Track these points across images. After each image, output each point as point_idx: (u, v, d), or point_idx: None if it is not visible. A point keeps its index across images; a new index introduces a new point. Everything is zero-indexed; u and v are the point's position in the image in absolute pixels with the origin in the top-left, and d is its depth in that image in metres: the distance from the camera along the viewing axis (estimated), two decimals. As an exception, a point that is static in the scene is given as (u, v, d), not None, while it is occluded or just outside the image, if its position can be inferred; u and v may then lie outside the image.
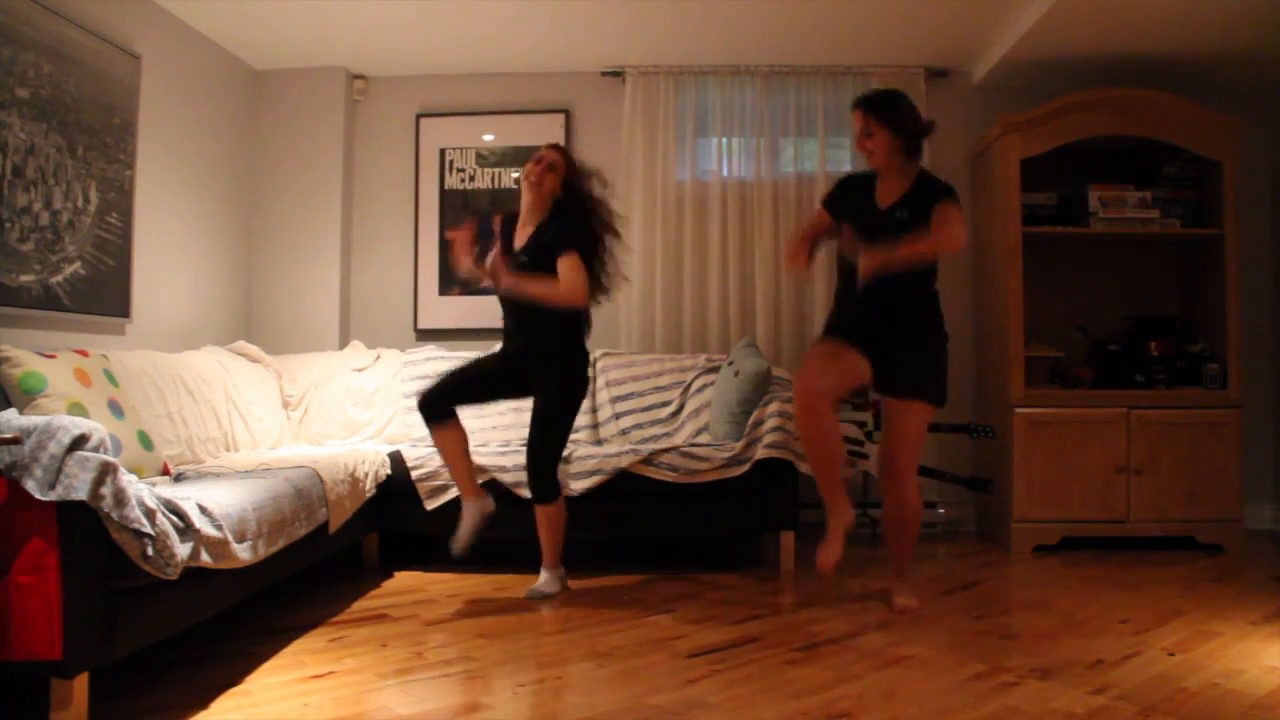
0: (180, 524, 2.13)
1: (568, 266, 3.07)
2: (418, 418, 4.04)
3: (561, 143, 4.65)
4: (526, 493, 3.45)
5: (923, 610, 3.02)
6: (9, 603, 1.89)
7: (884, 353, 2.95)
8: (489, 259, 3.25)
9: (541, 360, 3.19)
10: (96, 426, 2.00)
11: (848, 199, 3.07)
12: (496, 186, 4.74)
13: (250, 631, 2.77)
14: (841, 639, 2.70)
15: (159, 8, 3.85)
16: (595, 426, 4.19)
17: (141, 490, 2.04)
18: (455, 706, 2.18)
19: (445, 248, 4.68)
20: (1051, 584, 3.45)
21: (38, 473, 1.89)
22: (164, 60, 3.84)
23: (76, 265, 3.28)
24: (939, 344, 3.02)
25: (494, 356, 3.31)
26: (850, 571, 3.62)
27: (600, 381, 4.28)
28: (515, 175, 4.60)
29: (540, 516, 3.22)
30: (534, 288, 3.08)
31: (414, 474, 3.58)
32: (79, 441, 1.94)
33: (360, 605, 3.12)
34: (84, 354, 2.82)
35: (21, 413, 2.38)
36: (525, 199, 3.23)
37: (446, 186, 4.74)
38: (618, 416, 4.18)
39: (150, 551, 2.00)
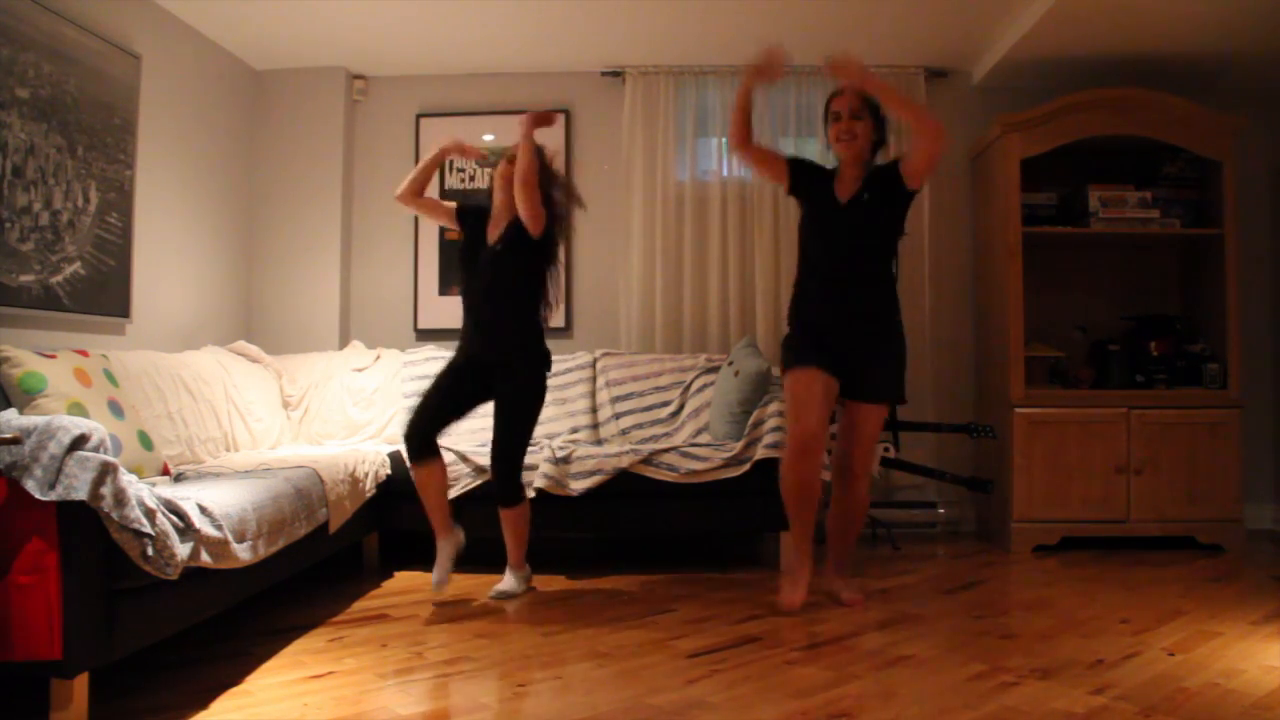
0: (180, 524, 2.13)
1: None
2: (418, 418, 4.09)
3: (561, 142, 4.69)
4: (528, 492, 3.46)
5: (866, 605, 3.07)
6: (9, 603, 1.89)
7: (850, 354, 2.97)
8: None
9: (504, 360, 3.16)
10: (96, 426, 2.00)
11: (809, 179, 3.06)
12: (496, 186, 4.74)
13: (250, 631, 2.77)
14: (841, 639, 2.70)
15: (159, 8, 3.85)
16: (595, 426, 4.19)
17: (141, 490, 2.05)
18: (455, 706, 2.18)
19: (445, 248, 4.68)
20: (1051, 584, 3.45)
21: (38, 473, 1.89)
22: (164, 60, 3.84)
23: (76, 265, 3.28)
24: (901, 342, 3.06)
25: (452, 370, 3.22)
26: (851, 572, 3.62)
27: (600, 381, 4.28)
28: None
29: (505, 518, 3.21)
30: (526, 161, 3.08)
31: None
32: (79, 441, 1.94)
33: (360, 605, 3.12)
34: (84, 354, 2.82)
35: (21, 413, 2.38)
36: (497, 199, 3.24)
37: (446, 186, 4.74)
38: (618, 416, 4.18)
39: (150, 551, 2.00)
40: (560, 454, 3.58)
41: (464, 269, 3.28)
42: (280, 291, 4.65)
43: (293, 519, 2.73)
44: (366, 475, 3.41)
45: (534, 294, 3.21)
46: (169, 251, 3.93)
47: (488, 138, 4.73)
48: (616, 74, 4.68)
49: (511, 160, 3.15)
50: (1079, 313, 4.56)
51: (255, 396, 3.91)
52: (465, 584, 3.38)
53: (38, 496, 1.88)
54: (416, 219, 4.73)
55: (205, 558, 2.19)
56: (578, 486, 3.51)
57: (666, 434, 4.10)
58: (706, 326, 4.63)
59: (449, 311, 4.73)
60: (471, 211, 3.33)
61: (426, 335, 4.72)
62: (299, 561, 2.91)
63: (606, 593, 3.29)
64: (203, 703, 2.17)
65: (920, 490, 4.55)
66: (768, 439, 3.55)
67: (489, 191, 3.31)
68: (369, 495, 3.41)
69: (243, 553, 2.36)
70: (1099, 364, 4.29)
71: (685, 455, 3.58)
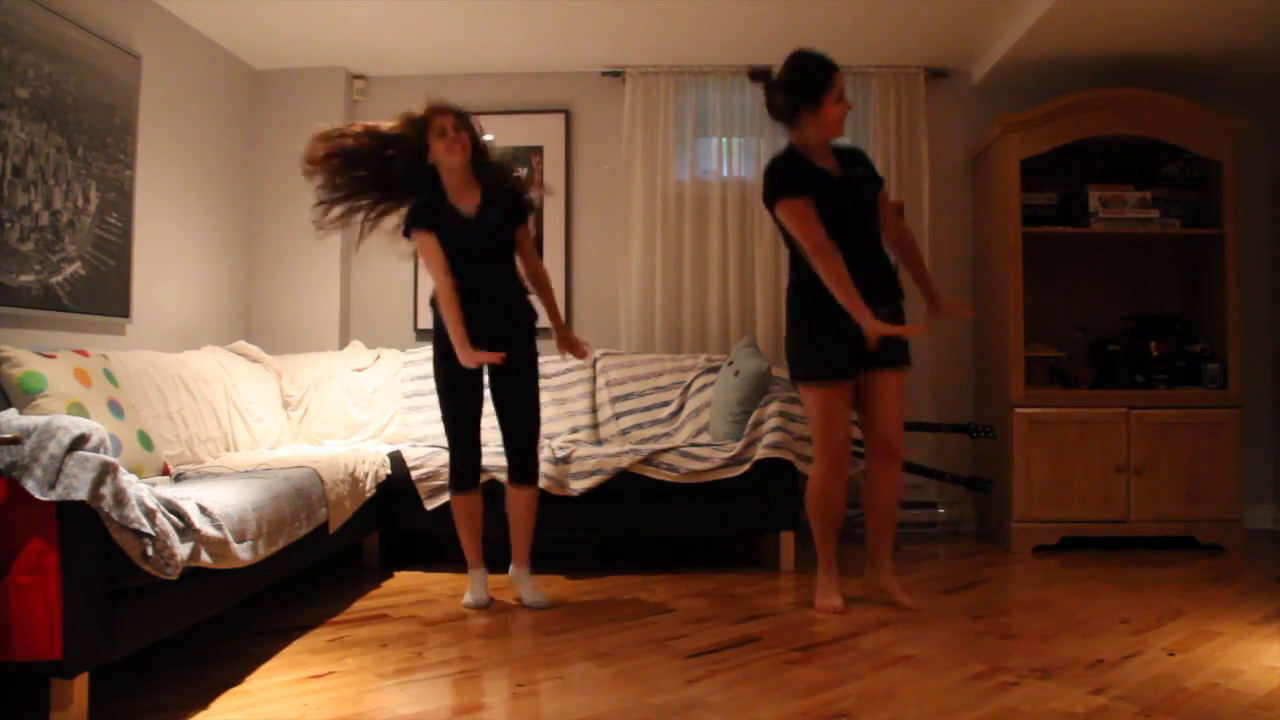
0: (180, 524, 2.13)
1: (526, 239, 3.11)
2: (418, 417, 4.10)
3: (561, 142, 4.69)
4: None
5: (924, 607, 3.02)
6: (9, 603, 1.90)
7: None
8: None
9: (518, 330, 3.07)
10: (96, 426, 2.01)
11: (806, 176, 2.92)
12: (496, 186, 4.73)
13: (250, 631, 2.77)
14: (841, 639, 2.70)
15: (159, 8, 3.85)
16: (595, 426, 4.19)
17: (141, 490, 2.05)
18: (455, 706, 2.18)
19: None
20: (1051, 584, 3.45)
21: (38, 473, 1.89)
22: (164, 60, 3.84)
23: (76, 265, 3.28)
24: (901, 302, 3.06)
25: (458, 380, 3.02)
26: (851, 572, 3.62)
27: (600, 381, 4.28)
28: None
29: (523, 500, 3.11)
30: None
31: (414, 474, 3.58)
32: (79, 441, 1.94)
33: (360, 605, 3.12)
34: (84, 354, 2.82)
35: (21, 413, 2.38)
36: (455, 175, 3.00)
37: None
38: (618, 416, 4.18)
39: (150, 551, 2.00)
40: (560, 454, 3.58)
41: (458, 255, 2.99)
42: (280, 291, 4.64)
43: (293, 519, 2.73)
44: (366, 475, 3.41)
45: (513, 261, 3.13)
46: (169, 251, 3.93)
47: (488, 138, 4.70)
48: (616, 74, 4.68)
49: (443, 135, 2.95)
50: (1079, 313, 4.56)
51: (255, 396, 3.91)
52: (465, 584, 3.37)
53: (38, 496, 1.88)
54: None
55: (205, 558, 2.19)
56: (578, 486, 3.51)
57: (666, 434, 4.10)
58: (706, 326, 4.63)
59: (449, 311, 4.72)
60: (432, 218, 3.00)
61: (426, 335, 4.69)
62: (299, 561, 2.91)
63: (606, 593, 3.29)
64: (203, 703, 2.17)
65: (920, 490, 4.55)
66: (768, 439, 3.55)
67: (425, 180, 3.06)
68: (369, 495, 3.41)
69: (243, 553, 2.36)
70: (1099, 364, 4.29)
71: (685, 455, 3.58)
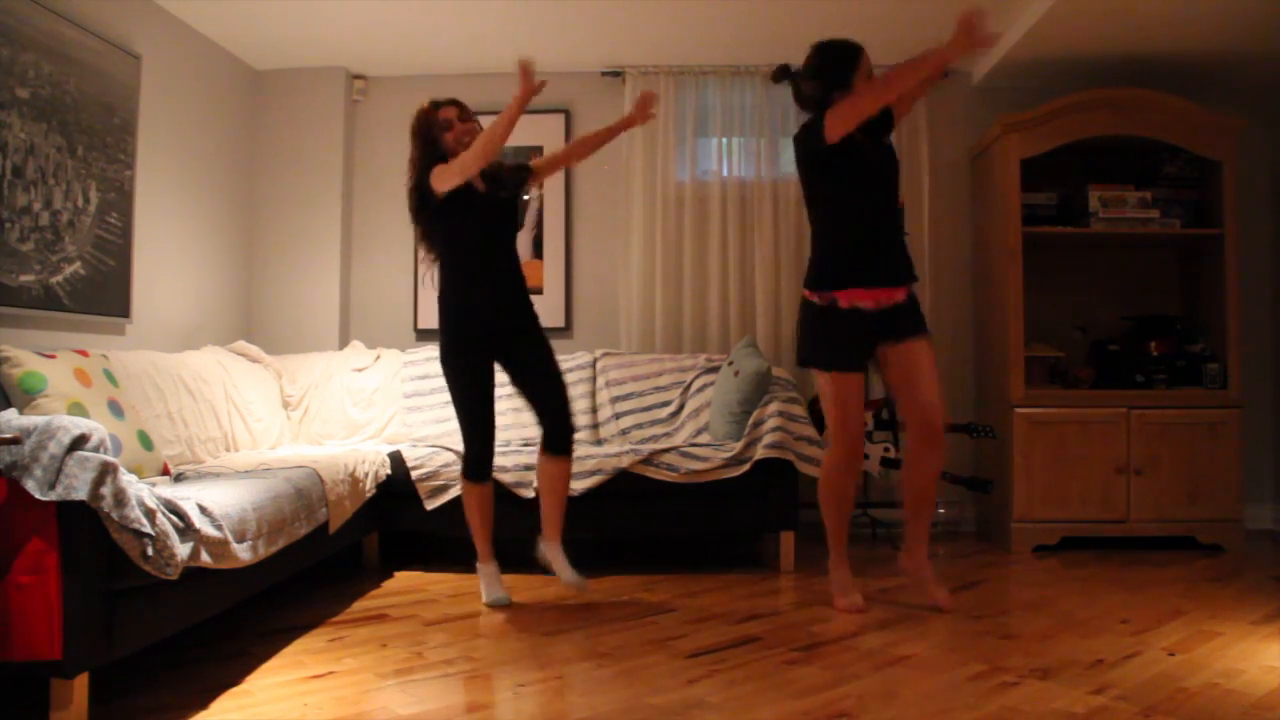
0: (180, 524, 2.13)
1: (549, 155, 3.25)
2: (418, 417, 4.10)
3: (561, 142, 4.68)
4: (528, 492, 3.47)
5: (956, 609, 3.00)
6: (9, 603, 1.90)
7: (895, 302, 2.93)
8: None
9: (527, 317, 3.14)
10: (96, 426, 2.01)
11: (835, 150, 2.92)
12: (496, 186, 4.74)
13: (250, 631, 2.77)
14: (841, 639, 2.70)
15: (159, 8, 3.85)
16: (595, 426, 4.19)
17: (141, 490, 2.05)
18: (455, 706, 2.18)
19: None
20: (1051, 584, 3.45)
21: (38, 473, 1.89)
22: (164, 60, 3.84)
23: (76, 265, 3.28)
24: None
25: (473, 371, 3.06)
26: (852, 572, 3.62)
27: (600, 381, 4.28)
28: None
29: (559, 471, 3.09)
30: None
31: (414, 474, 3.58)
32: (79, 441, 1.94)
33: (360, 605, 3.12)
34: (84, 354, 2.82)
35: (21, 413, 2.38)
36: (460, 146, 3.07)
37: (446, 186, 4.74)
38: (618, 416, 4.18)
39: (150, 551, 2.00)
40: (560, 454, 3.58)
41: (474, 233, 3.04)
42: (280, 291, 4.65)
43: (293, 519, 2.73)
44: (366, 475, 3.41)
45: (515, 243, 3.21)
46: (169, 251, 3.93)
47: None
48: (616, 74, 4.68)
49: (451, 128, 3.05)
50: (1079, 313, 4.56)
51: (255, 396, 3.91)
52: (467, 584, 3.38)
53: (38, 496, 1.88)
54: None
55: (205, 558, 2.19)
56: (578, 486, 3.51)
57: (666, 434, 4.10)
58: (706, 326, 4.63)
59: (449, 311, 4.73)
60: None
61: (426, 335, 4.72)
62: (299, 561, 2.91)
63: (606, 593, 3.29)
64: (203, 703, 2.17)
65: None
66: (768, 439, 3.55)
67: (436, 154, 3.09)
68: (369, 495, 3.41)
69: (243, 553, 2.36)
70: (1099, 364, 4.29)
71: (685, 455, 3.58)
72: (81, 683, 1.95)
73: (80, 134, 3.28)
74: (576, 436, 4.06)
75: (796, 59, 4.59)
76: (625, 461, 3.55)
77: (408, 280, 4.76)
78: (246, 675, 2.37)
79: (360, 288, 4.79)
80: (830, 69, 2.95)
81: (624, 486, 3.54)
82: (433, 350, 4.34)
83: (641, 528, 3.74)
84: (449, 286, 3.08)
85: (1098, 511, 4.04)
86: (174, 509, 2.14)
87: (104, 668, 2.02)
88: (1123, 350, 4.27)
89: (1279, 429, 4.64)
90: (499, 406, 3.19)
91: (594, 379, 4.30)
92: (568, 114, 4.73)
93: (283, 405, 4.14)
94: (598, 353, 4.38)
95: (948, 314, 4.67)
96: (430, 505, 3.54)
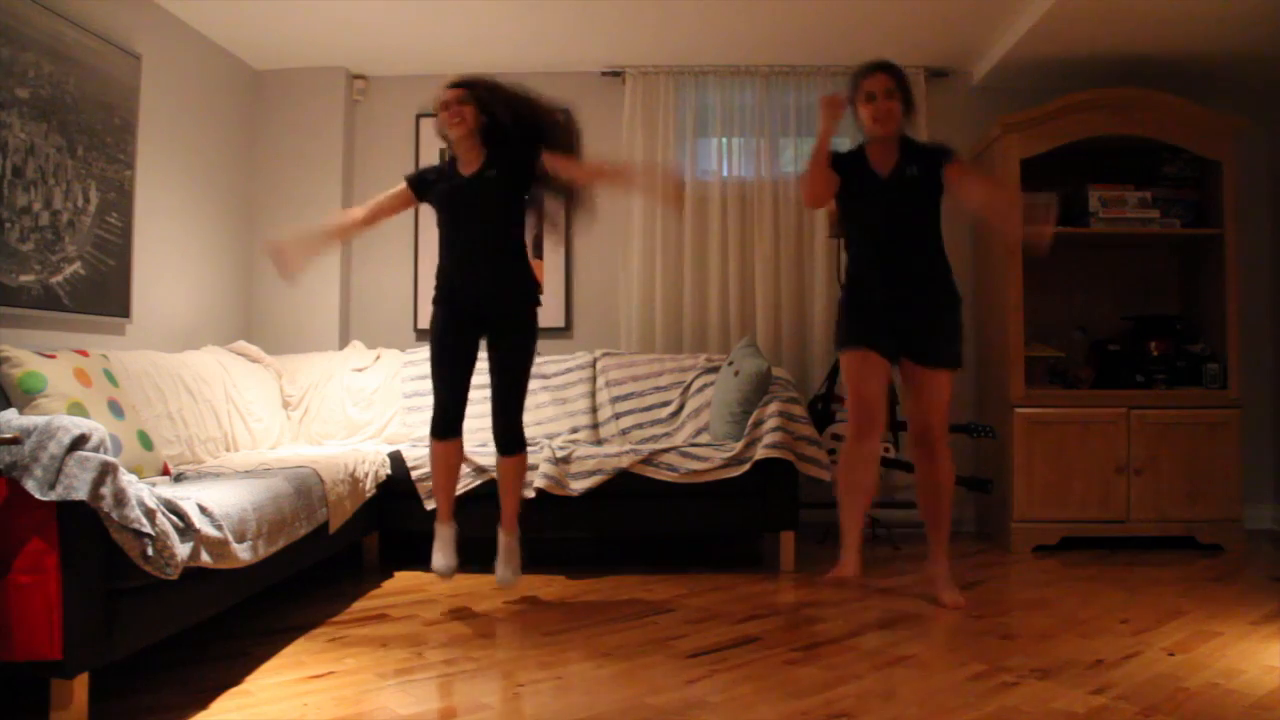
0: (180, 524, 2.13)
1: (564, 159, 3.08)
2: (418, 417, 4.10)
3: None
4: (527, 493, 3.46)
5: (970, 607, 3.01)
6: (9, 603, 1.89)
7: (913, 324, 2.99)
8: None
9: (507, 308, 3.09)
10: (96, 426, 2.01)
11: (848, 167, 3.05)
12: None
13: (250, 631, 2.77)
14: (841, 639, 2.70)
15: (159, 8, 3.85)
16: (595, 426, 4.19)
17: (141, 490, 2.05)
18: (455, 706, 2.18)
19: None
20: (1051, 584, 3.45)
21: (38, 473, 1.89)
22: (164, 60, 3.84)
23: (76, 265, 3.28)
24: (958, 306, 3.09)
25: (452, 334, 3.08)
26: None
27: (600, 381, 4.28)
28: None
29: (508, 467, 3.14)
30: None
31: (414, 474, 3.58)
32: (79, 441, 1.94)
33: (360, 605, 3.12)
34: (84, 354, 2.82)
35: (21, 413, 2.38)
36: (458, 145, 3.10)
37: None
38: (618, 416, 4.18)
39: (150, 551, 2.00)
40: (560, 454, 3.58)
41: (448, 214, 3.10)
42: (280, 291, 4.64)
43: (293, 519, 2.73)
44: (366, 475, 3.41)
45: (521, 224, 3.16)
46: (169, 251, 3.93)
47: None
48: (616, 74, 4.68)
49: (445, 107, 3.04)
50: (1079, 313, 4.56)
51: (255, 396, 3.91)
52: (466, 584, 3.38)
53: (38, 496, 1.88)
54: (416, 219, 4.71)
55: (205, 558, 2.19)
56: (578, 486, 3.51)
57: (666, 434, 4.10)
58: (706, 326, 4.63)
59: (449, 311, 4.72)
60: (427, 173, 3.20)
61: (427, 335, 4.71)
62: (299, 561, 2.91)
63: (606, 593, 3.29)
64: (203, 703, 2.17)
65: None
66: (768, 439, 3.55)
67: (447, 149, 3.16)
68: (369, 495, 3.41)
69: (243, 553, 2.36)
70: (1099, 364, 4.29)
71: (685, 455, 3.58)
72: (81, 683, 1.95)
73: (80, 134, 3.28)
74: (576, 437, 4.10)
75: (796, 59, 4.64)
76: (625, 461, 3.55)
77: (408, 280, 4.76)
78: (246, 675, 2.37)
79: (360, 288, 4.79)
80: (849, 95, 3.06)
81: (624, 486, 3.54)
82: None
83: (641, 528, 3.74)
84: (440, 250, 3.16)
85: (1098, 511, 4.04)
86: (174, 509, 2.14)
87: (104, 668, 2.02)
88: (1123, 350, 4.27)
89: (1279, 429, 4.64)
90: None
91: (594, 379, 4.30)
92: (567, 114, 4.71)
93: (283, 405, 4.14)
94: (598, 353, 4.38)
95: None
96: (430, 505, 3.54)
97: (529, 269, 3.16)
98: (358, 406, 4.17)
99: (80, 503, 1.90)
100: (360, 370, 4.28)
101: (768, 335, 4.56)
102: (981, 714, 2.09)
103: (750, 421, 3.64)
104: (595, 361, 4.34)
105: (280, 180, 4.66)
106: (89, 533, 1.93)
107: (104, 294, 3.44)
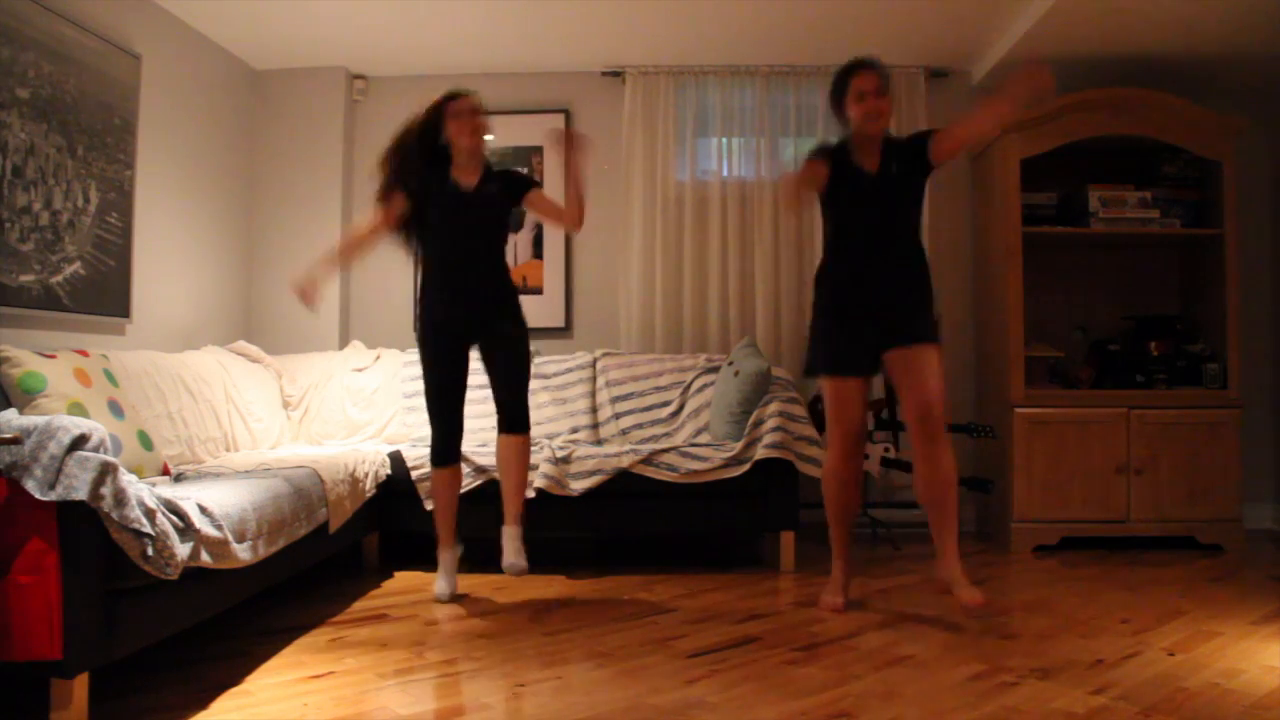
0: (180, 524, 2.13)
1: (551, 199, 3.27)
2: (418, 417, 4.09)
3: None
4: (527, 493, 3.46)
5: (991, 606, 2.88)
6: (9, 603, 1.89)
7: (891, 312, 2.93)
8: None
9: (500, 313, 3.15)
10: (96, 426, 2.00)
11: (835, 161, 3.00)
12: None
13: (250, 631, 2.77)
14: (841, 639, 2.70)
15: (159, 8, 3.85)
16: (595, 426, 4.19)
17: (141, 490, 2.04)
18: (456, 706, 2.18)
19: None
20: (1051, 584, 3.45)
21: (38, 473, 1.89)
22: (164, 60, 3.84)
23: (76, 265, 3.28)
24: (929, 279, 3.01)
25: (443, 359, 3.15)
26: (851, 572, 3.62)
27: (600, 381, 4.28)
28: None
29: (513, 447, 3.15)
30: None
31: (414, 474, 3.58)
32: (79, 441, 1.94)
33: (360, 605, 3.12)
34: (84, 354, 2.82)
35: (21, 413, 2.38)
36: (463, 155, 3.15)
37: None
38: (618, 416, 4.18)
39: (150, 551, 2.00)
40: (560, 454, 3.58)
41: (448, 224, 3.13)
42: (280, 291, 4.63)
43: (293, 519, 2.73)
44: (366, 475, 3.41)
45: (507, 238, 3.26)
46: (169, 251, 3.93)
47: (488, 138, 4.71)
48: (616, 74, 4.68)
49: (476, 112, 3.15)
50: (1079, 313, 4.56)
51: (255, 396, 3.91)
52: (466, 584, 3.38)
53: (38, 496, 1.88)
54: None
55: (205, 558, 2.19)
56: (578, 486, 3.51)
57: (666, 434, 4.10)
58: (706, 326, 4.63)
59: (449, 311, 4.72)
60: (417, 180, 3.16)
61: (426, 335, 4.71)
62: (299, 561, 2.91)
63: (606, 592, 3.29)
64: (203, 703, 2.17)
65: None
66: (768, 439, 3.55)
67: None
68: (369, 495, 3.41)
69: (243, 553, 2.36)
70: (1099, 364, 4.29)
71: (685, 455, 3.58)
72: (81, 683, 1.95)
73: (80, 134, 3.28)
74: (576, 437, 4.10)
75: (796, 59, 4.64)
76: (625, 461, 3.55)
77: (408, 280, 4.76)
78: (246, 675, 2.37)
79: (360, 288, 4.79)
80: (832, 93, 3.05)
81: (624, 486, 3.54)
82: (433, 350, 4.35)
83: (641, 528, 3.74)
84: (423, 272, 3.25)
85: (1098, 511, 4.04)
86: (174, 509, 2.14)
87: (104, 668, 2.02)
88: (1123, 350, 4.27)
89: (1279, 429, 4.64)
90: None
91: (594, 379, 4.30)
92: (568, 114, 4.73)
93: (283, 405, 4.14)
94: (598, 353, 4.38)
95: (947, 314, 4.65)
96: (430, 505, 3.54)
97: (515, 299, 3.24)
98: (358, 406, 4.17)
99: (80, 503, 1.90)
100: (360, 370, 4.28)
101: (768, 335, 4.56)
102: (981, 714, 2.09)
103: (750, 421, 3.64)
104: (595, 361, 4.34)
105: (280, 181, 4.66)
106: (89, 533, 1.93)
107: (104, 294, 3.44)
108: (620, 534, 4.06)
